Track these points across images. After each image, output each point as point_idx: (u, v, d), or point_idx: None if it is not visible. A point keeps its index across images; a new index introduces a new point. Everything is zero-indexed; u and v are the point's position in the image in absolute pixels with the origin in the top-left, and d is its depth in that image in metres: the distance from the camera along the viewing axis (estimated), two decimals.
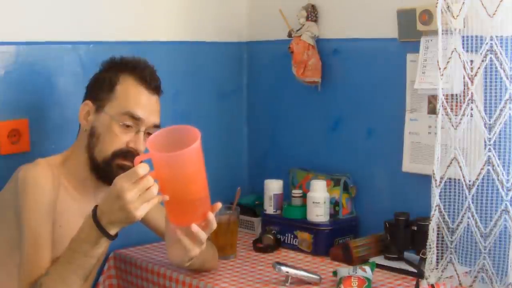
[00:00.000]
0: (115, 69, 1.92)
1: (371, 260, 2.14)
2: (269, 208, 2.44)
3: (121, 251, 2.32)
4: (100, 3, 2.31)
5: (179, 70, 2.54)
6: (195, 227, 1.73)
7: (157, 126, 1.90)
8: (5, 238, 1.86)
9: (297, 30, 2.47)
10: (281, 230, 2.38)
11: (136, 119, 1.86)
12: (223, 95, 2.70)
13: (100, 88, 1.91)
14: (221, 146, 2.70)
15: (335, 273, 2.01)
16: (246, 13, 2.75)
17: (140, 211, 1.63)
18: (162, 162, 1.64)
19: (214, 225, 1.77)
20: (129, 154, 1.85)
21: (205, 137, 2.60)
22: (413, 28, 2.14)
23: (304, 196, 2.36)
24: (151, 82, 1.91)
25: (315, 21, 2.46)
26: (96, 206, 1.68)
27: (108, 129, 1.86)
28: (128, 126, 1.86)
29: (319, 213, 2.30)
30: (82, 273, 1.71)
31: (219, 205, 1.77)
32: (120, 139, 1.86)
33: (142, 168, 1.62)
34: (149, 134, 1.87)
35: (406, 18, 2.19)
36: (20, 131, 2.11)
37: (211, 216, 1.74)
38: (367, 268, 1.97)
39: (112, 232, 1.67)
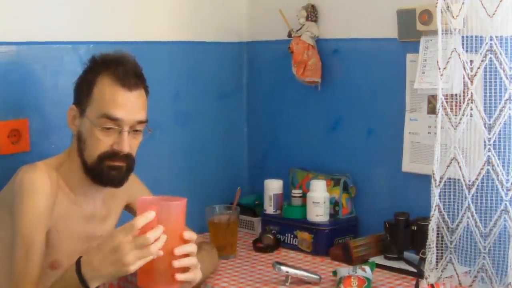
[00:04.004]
0: (93, 70, 1.86)
1: (371, 260, 2.14)
2: (269, 208, 2.44)
3: None
4: (100, 3, 2.31)
5: (179, 70, 2.54)
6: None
7: (142, 122, 1.85)
8: (1, 240, 1.84)
9: (297, 30, 2.47)
10: (281, 230, 2.38)
11: (114, 120, 1.80)
12: (223, 95, 2.70)
13: (81, 91, 1.86)
14: (221, 146, 2.70)
15: (335, 273, 2.01)
16: (246, 13, 2.75)
17: (133, 267, 1.62)
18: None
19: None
20: (115, 155, 1.82)
21: (205, 137, 2.63)
22: (413, 28, 2.14)
23: (304, 196, 2.36)
24: (126, 79, 1.81)
25: (315, 21, 2.46)
26: (80, 258, 1.67)
27: (91, 134, 1.82)
28: (109, 128, 1.81)
29: (319, 213, 2.30)
30: None
31: None
32: (104, 142, 1.81)
33: (140, 221, 1.62)
34: (135, 131, 1.84)
35: (406, 18, 2.19)
36: (20, 131, 2.11)
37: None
38: (367, 268, 1.97)
39: (92, 286, 1.65)
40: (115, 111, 1.80)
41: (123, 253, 1.61)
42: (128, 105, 1.82)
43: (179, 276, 1.68)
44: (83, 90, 1.85)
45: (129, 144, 1.83)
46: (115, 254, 1.62)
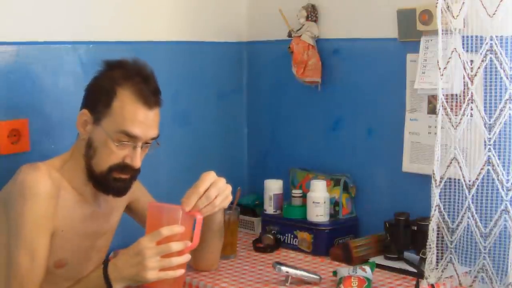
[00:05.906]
0: (112, 79, 1.82)
1: (371, 260, 2.14)
2: (269, 208, 2.44)
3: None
4: (100, 3, 2.31)
5: (179, 70, 2.54)
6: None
7: (154, 138, 1.86)
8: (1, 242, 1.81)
9: (297, 30, 2.47)
10: (281, 230, 2.38)
11: (132, 137, 1.80)
12: (223, 95, 2.70)
13: (97, 99, 1.83)
14: (221, 146, 2.70)
15: (335, 273, 2.01)
16: (246, 13, 2.75)
17: (152, 274, 1.68)
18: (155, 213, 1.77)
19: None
20: (125, 168, 1.83)
21: (205, 137, 2.63)
22: (413, 28, 2.14)
23: (304, 196, 2.36)
24: (149, 97, 1.82)
25: (315, 21, 2.46)
26: (108, 260, 1.73)
27: (104, 145, 1.81)
28: (124, 142, 1.81)
29: (319, 213, 2.30)
30: None
31: None
32: (117, 155, 1.81)
33: (166, 230, 1.70)
34: (146, 144, 1.85)
35: (406, 18, 2.19)
36: (20, 131, 2.10)
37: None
38: (367, 268, 1.97)
39: (117, 287, 1.71)
40: (134, 128, 1.80)
41: (144, 257, 1.67)
42: (146, 123, 1.82)
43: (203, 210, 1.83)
44: (101, 99, 1.82)
45: (141, 159, 1.85)
46: (137, 257, 1.68)
